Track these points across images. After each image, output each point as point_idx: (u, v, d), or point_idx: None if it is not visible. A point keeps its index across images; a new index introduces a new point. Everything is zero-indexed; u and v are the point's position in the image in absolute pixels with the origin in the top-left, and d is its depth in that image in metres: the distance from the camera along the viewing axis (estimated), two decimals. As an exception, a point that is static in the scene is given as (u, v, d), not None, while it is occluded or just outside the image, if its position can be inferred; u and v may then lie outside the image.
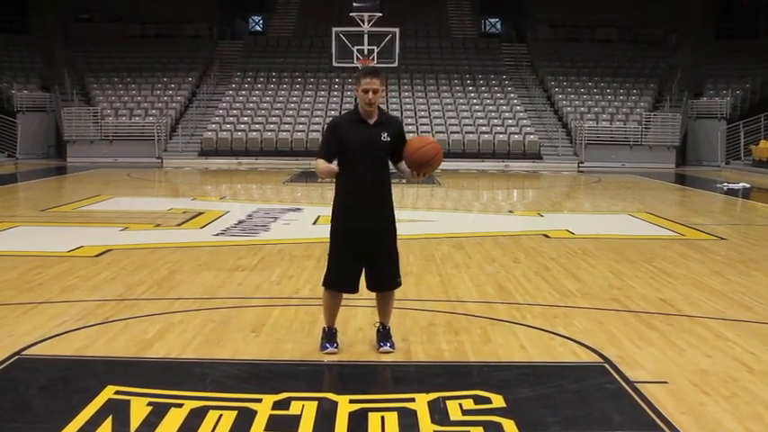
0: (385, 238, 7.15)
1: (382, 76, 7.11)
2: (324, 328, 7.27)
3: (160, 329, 7.92)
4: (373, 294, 7.38)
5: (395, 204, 7.28)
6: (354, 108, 7.21)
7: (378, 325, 7.40)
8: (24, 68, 41.48)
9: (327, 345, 7.15)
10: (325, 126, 7.54)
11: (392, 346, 7.25)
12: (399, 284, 7.37)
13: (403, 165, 7.09)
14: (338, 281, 7.17)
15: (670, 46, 44.33)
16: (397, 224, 7.30)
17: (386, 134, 7.00)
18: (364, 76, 7.00)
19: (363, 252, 7.07)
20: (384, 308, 7.36)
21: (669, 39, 44.80)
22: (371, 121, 7.02)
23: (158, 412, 5.71)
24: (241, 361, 7.01)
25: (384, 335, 7.31)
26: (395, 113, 37.90)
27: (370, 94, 6.92)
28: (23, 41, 43.10)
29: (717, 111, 38.74)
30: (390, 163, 7.19)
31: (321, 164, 7.00)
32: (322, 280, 7.28)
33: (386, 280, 7.25)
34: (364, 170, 6.96)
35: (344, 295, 7.32)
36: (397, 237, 7.32)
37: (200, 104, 40.38)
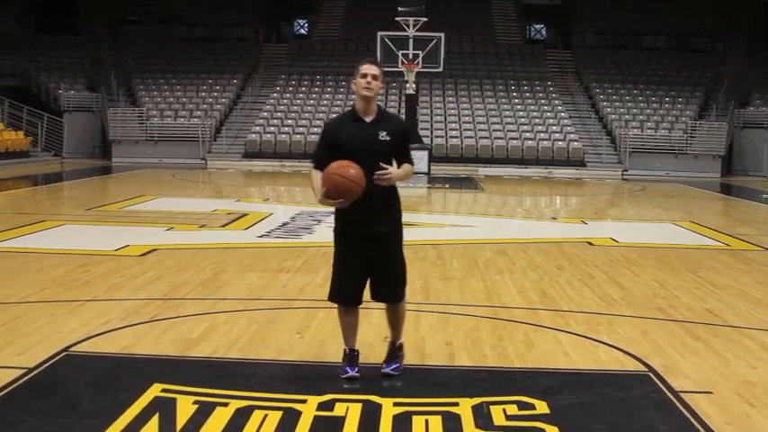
0: (387, 244, 6.59)
1: (382, 68, 6.66)
2: (344, 349, 6.73)
3: (205, 329, 7.98)
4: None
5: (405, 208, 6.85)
6: (350, 108, 6.70)
7: (387, 340, 7.00)
8: (72, 69, 41.87)
9: (348, 369, 6.61)
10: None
11: (397, 369, 6.78)
12: (401, 298, 6.76)
13: (402, 168, 6.57)
14: (338, 292, 6.68)
15: (717, 55, 43.97)
16: (402, 233, 6.73)
17: (384, 133, 6.47)
18: (365, 63, 6.56)
19: (365, 260, 6.55)
20: (391, 321, 6.85)
21: (717, 48, 44.46)
22: (368, 119, 6.53)
23: (204, 411, 5.76)
24: (286, 362, 7.06)
25: (392, 354, 6.86)
26: (439, 118, 38.00)
27: (369, 77, 6.45)
28: (72, 42, 43.58)
29: (764, 120, 38.35)
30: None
31: (315, 179, 6.48)
32: (327, 295, 6.81)
33: (388, 290, 6.68)
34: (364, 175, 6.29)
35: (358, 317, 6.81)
36: (403, 243, 6.76)
37: (244, 107, 40.54)
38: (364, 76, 6.47)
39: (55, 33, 43.24)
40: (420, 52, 34.07)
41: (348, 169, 6.23)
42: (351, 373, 6.60)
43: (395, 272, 6.69)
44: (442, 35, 34.72)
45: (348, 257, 6.59)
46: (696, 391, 6.45)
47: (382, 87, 6.67)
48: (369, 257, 6.56)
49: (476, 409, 5.93)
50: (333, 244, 6.70)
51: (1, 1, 42.13)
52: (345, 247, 6.61)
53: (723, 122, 37.35)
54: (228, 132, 38.50)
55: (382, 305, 6.87)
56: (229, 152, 37.43)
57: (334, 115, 38.23)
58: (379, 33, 34.87)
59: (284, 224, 16.27)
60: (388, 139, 6.48)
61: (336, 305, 6.74)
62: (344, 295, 6.65)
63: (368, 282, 6.65)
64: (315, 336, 7.84)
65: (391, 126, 6.59)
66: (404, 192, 7.05)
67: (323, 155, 6.51)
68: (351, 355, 6.68)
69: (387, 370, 6.76)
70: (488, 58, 44.79)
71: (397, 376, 6.76)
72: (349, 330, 6.71)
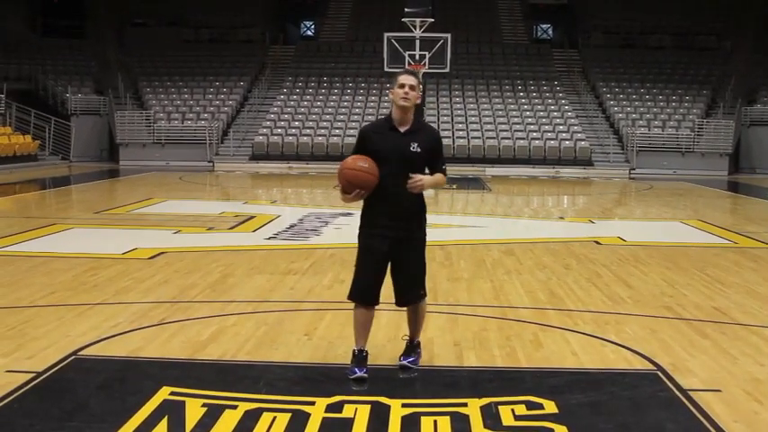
0: (410, 248, 6.74)
1: (420, 80, 6.86)
2: (353, 350, 6.78)
3: (214, 332, 8.00)
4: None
5: (429, 213, 6.96)
6: (387, 115, 6.84)
7: (405, 338, 7.12)
8: (79, 72, 41.98)
9: (356, 369, 6.64)
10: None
11: (413, 362, 6.96)
12: (423, 296, 6.92)
13: (434, 176, 6.76)
14: (359, 291, 6.75)
15: (724, 53, 43.93)
16: (426, 236, 6.90)
17: (416, 144, 6.60)
18: (402, 73, 6.77)
19: (387, 261, 6.70)
20: (412, 321, 7.01)
21: (723, 46, 44.41)
22: (403, 130, 6.67)
23: (213, 413, 5.77)
24: (294, 364, 7.07)
25: (410, 348, 7.04)
26: (445, 119, 38.00)
27: (407, 87, 6.59)
28: (79, 46, 43.70)
29: (771, 118, 38.38)
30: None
31: None
32: (348, 293, 6.89)
33: (409, 293, 6.84)
34: (391, 180, 6.52)
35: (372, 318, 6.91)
36: (426, 248, 6.90)
37: (251, 109, 40.60)
38: (402, 86, 6.63)
39: (62, 37, 43.37)
40: (427, 53, 34.10)
41: (356, 161, 6.51)
42: (359, 373, 6.62)
43: (417, 274, 6.85)
44: (449, 36, 34.73)
45: (372, 258, 6.71)
46: (704, 390, 6.45)
47: (419, 98, 6.77)
48: (392, 259, 6.71)
49: (484, 409, 5.94)
50: (357, 244, 6.85)
51: (8, 5, 42.24)
52: (370, 248, 6.73)
53: (730, 120, 37.32)
54: (236, 135, 38.56)
55: (392, 307, 6.98)
56: (237, 154, 37.50)
57: (342, 117, 38.41)
58: (386, 34, 34.90)
59: (292, 226, 16.29)
60: (419, 150, 6.62)
61: (354, 303, 6.81)
62: (365, 294, 6.74)
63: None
64: (323, 337, 7.85)
65: (424, 138, 6.71)
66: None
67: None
68: (359, 356, 6.72)
69: (404, 362, 6.94)
70: (495, 58, 44.81)
71: (407, 377, 6.81)
72: (362, 330, 6.78)
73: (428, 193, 6.98)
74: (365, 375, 6.62)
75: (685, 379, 6.70)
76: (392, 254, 6.68)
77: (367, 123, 7.20)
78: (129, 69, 42.50)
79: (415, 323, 7.01)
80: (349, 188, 6.54)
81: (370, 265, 6.72)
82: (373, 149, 6.60)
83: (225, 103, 40.61)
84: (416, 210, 6.76)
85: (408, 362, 6.94)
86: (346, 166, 6.53)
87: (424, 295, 6.95)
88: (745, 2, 44.06)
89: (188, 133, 38.17)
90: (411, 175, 6.52)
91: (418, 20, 34.16)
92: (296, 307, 9.31)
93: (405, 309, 7.02)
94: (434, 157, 6.76)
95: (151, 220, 17.53)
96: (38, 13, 43.86)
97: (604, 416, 5.87)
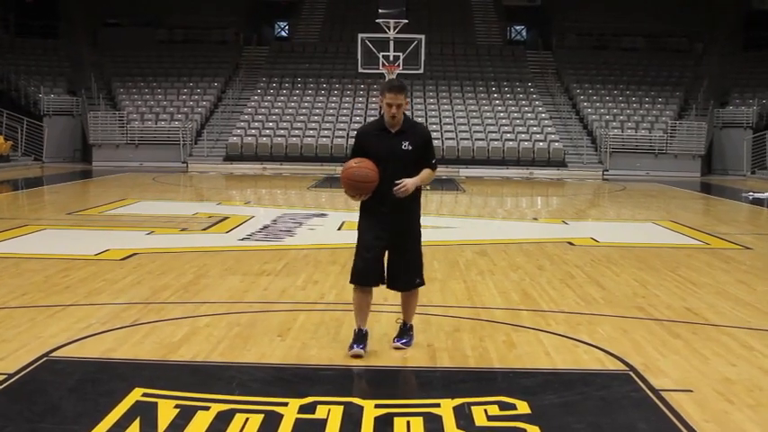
0: (407, 238, 7.35)
1: (406, 91, 7.31)
2: (354, 328, 7.34)
3: (187, 333, 7.97)
4: (398, 300, 7.49)
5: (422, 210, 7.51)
6: (380, 116, 7.38)
7: (399, 322, 7.64)
8: (52, 72, 41.72)
9: (355, 345, 7.19)
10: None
11: (406, 343, 7.49)
12: (419, 285, 7.52)
13: (420, 174, 7.27)
14: (360, 273, 7.28)
15: (696, 55, 44.20)
16: (422, 229, 7.50)
17: (407, 143, 7.20)
18: (389, 90, 7.18)
19: (384, 248, 7.28)
20: (406, 306, 7.58)
21: (695, 47, 44.68)
22: (394, 131, 7.23)
23: (185, 415, 5.75)
24: (267, 365, 7.05)
25: (403, 331, 7.59)
26: (419, 120, 38.01)
27: (394, 108, 7.12)
28: (52, 45, 43.37)
29: (743, 120, 38.59)
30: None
31: None
32: (350, 277, 7.41)
33: (406, 279, 7.41)
34: (386, 178, 7.11)
35: (370, 300, 7.43)
36: (422, 241, 7.50)
37: (225, 109, 40.51)
38: (390, 106, 7.16)
39: (35, 37, 43.05)
40: (401, 54, 34.14)
41: (353, 171, 7.13)
42: (356, 349, 7.16)
43: (413, 262, 7.43)
44: (423, 37, 34.80)
45: (371, 244, 7.27)
46: (676, 390, 6.48)
47: (407, 104, 7.31)
48: (389, 246, 7.30)
49: (457, 409, 5.94)
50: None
51: (-21, 5, 41.99)
52: (369, 236, 7.29)
53: (702, 122, 37.54)
54: (209, 135, 38.49)
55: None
56: (210, 155, 37.42)
57: (316, 118, 38.37)
58: (360, 35, 34.93)
59: (265, 227, 16.25)
60: (410, 148, 7.23)
61: (354, 286, 7.38)
62: (365, 277, 7.30)
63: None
64: (296, 338, 7.83)
65: (414, 136, 7.30)
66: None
67: (358, 156, 7.25)
68: (359, 334, 7.30)
69: (397, 344, 7.48)
70: (469, 59, 44.90)
71: (379, 379, 6.86)
72: (361, 310, 7.35)
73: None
74: (362, 351, 7.16)
75: (657, 379, 6.73)
76: (389, 243, 7.28)
77: (362, 125, 7.78)
78: (103, 70, 42.31)
79: (408, 307, 7.59)
80: (351, 192, 7.19)
81: (368, 253, 7.26)
82: (368, 150, 7.21)
83: (199, 103, 40.50)
84: (411, 204, 7.37)
85: (401, 343, 7.47)
86: (344, 176, 7.16)
87: (421, 283, 7.56)
88: (716, 4, 44.32)
89: (161, 134, 38.03)
90: (396, 181, 7.12)
91: (392, 21, 34.19)
92: (269, 308, 9.30)
93: (399, 303, 7.66)
94: (423, 154, 7.31)
95: (124, 221, 17.47)
96: (10, 13, 43.55)
97: (577, 416, 5.89)
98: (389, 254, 7.33)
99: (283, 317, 8.77)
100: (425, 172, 7.32)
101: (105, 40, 44.52)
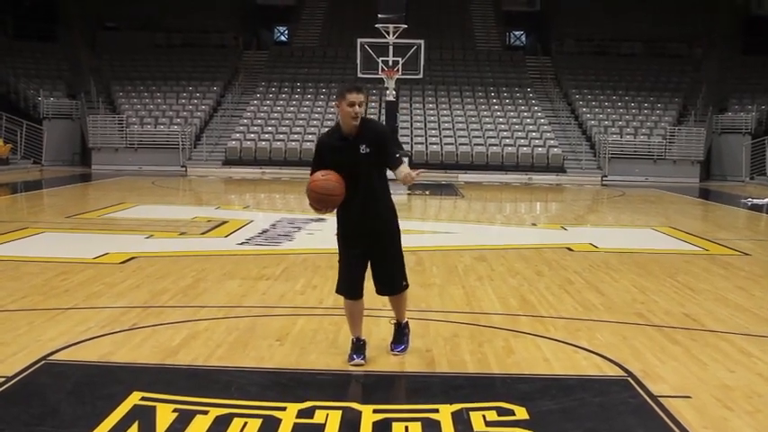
0: (384, 240, 7.23)
1: (366, 92, 7.17)
2: (351, 339, 7.30)
3: (185, 337, 7.97)
4: None
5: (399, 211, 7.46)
6: (336, 125, 7.25)
7: (393, 322, 7.64)
8: (51, 76, 41.72)
9: (354, 356, 7.17)
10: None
11: (404, 350, 7.50)
12: (404, 288, 7.43)
13: (397, 171, 7.12)
14: (344, 285, 7.26)
15: (695, 60, 44.25)
16: (399, 227, 7.34)
17: (364, 146, 7.01)
18: (350, 91, 7.01)
19: (364, 256, 7.20)
20: (396, 306, 7.55)
21: (694, 53, 44.72)
22: (352, 138, 7.04)
23: (184, 419, 5.76)
24: (266, 369, 7.06)
25: (399, 335, 7.58)
26: (419, 125, 38.06)
27: (357, 107, 6.95)
28: (51, 49, 43.36)
29: (742, 126, 38.59)
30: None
31: None
32: (335, 288, 7.39)
33: (390, 283, 7.36)
34: (351, 184, 6.97)
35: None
36: (401, 242, 7.36)
37: (224, 114, 40.49)
38: (352, 104, 6.96)
39: (33, 40, 43.05)
40: (400, 59, 34.18)
41: (319, 184, 6.95)
42: (357, 359, 7.14)
43: (393, 268, 7.33)
44: (422, 42, 34.83)
45: (349, 256, 7.21)
46: (674, 396, 6.49)
47: (366, 106, 7.14)
48: (367, 255, 7.20)
49: (455, 415, 5.94)
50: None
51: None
52: (346, 247, 7.23)
53: (701, 128, 37.54)
54: (208, 139, 38.47)
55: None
56: (209, 159, 37.40)
57: (315, 122, 38.38)
58: (359, 40, 34.94)
59: (264, 231, 16.25)
60: (367, 151, 7.02)
61: (343, 297, 7.33)
62: (349, 289, 7.23)
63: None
64: (295, 343, 7.83)
65: (370, 137, 7.06)
66: (383, 198, 7.19)
67: (315, 168, 7.11)
68: (357, 344, 7.25)
69: (395, 351, 7.49)
70: (468, 64, 44.91)
71: (378, 384, 6.86)
72: (354, 320, 7.31)
73: (402, 199, 7.10)
74: (362, 362, 7.14)
75: (656, 385, 6.73)
76: (369, 251, 7.18)
77: (320, 136, 7.58)
78: (102, 73, 42.29)
79: (398, 307, 7.55)
80: (316, 205, 7.04)
81: (351, 265, 7.20)
82: (328, 161, 7.06)
83: (198, 107, 40.49)
84: (380, 205, 7.20)
85: (399, 350, 7.50)
86: (310, 188, 6.97)
87: (406, 286, 7.46)
88: (715, 9, 44.37)
89: (161, 138, 38.02)
90: (396, 176, 7.10)
91: (392, 26, 34.21)
92: (268, 312, 9.29)
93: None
94: (383, 153, 7.12)
95: (123, 224, 17.45)
96: (9, 16, 43.54)
97: (575, 422, 5.89)
98: (371, 262, 7.25)
99: (282, 321, 8.77)
100: (400, 168, 7.14)
101: (104, 44, 44.52)
